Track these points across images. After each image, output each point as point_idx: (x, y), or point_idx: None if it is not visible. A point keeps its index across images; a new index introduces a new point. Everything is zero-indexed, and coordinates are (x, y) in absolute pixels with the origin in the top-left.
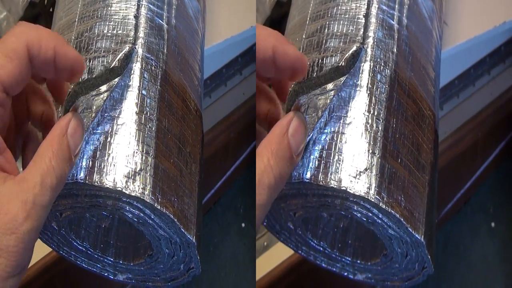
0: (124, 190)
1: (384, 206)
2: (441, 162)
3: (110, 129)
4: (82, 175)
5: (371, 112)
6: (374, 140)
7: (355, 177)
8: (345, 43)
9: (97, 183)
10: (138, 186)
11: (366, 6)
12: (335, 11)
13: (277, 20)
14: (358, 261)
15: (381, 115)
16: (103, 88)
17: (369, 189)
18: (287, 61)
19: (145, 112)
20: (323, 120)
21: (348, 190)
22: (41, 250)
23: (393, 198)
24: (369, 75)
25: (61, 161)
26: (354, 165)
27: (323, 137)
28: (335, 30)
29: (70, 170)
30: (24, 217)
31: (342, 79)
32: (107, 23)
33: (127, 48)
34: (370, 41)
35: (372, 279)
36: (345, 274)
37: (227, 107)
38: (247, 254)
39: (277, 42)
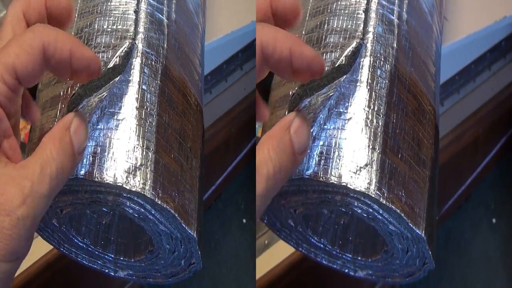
0: (124, 186)
1: (384, 202)
2: (442, 158)
3: (110, 125)
4: (82, 171)
5: (371, 108)
6: (374, 135)
7: (355, 173)
8: (345, 39)
9: (98, 179)
10: (138, 181)
11: (366, 1)
12: (334, 6)
13: None
14: (359, 258)
15: (381, 111)
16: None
17: (370, 185)
18: (304, 62)
19: (145, 107)
20: (323, 116)
21: (349, 186)
22: (42, 248)
23: (393, 193)
24: (369, 70)
25: (62, 153)
26: (354, 160)
27: (323, 133)
28: (334, 26)
29: (73, 166)
30: (20, 201)
31: (344, 77)
32: (107, 18)
33: (127, 43)
34: (370, 36)
35: (373, 275)
36: (346, 271)
37: (228, 102)
38: (248, 249)
39: (293, 44)
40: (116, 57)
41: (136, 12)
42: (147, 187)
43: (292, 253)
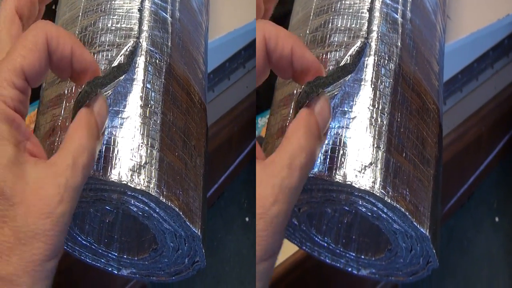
0: (129, 184)
1: (389, 200)
2: (445, 157)
3: (114, 123)
4: None
5: (376, 107)
6: (379, 134)
7: (360, 172)
8: (349, 38)
9: (102, 177)
10: (143, 179)
11: (370, 0)
12: (338, 5)
13: (279, 18)
14: (363, 257)
15: (386, 109)
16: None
17: (374, 184)
18: (304, 65)
19: (149, 106)
20: None
21: (353, 184)
22: None
23: (398, 192)
24: (373, 69)
25: (91, 140)
26: (359, 159)
27: (328, 131)
28: (339, 25)
29: (98, 149)
30: (58, 200)
31: (349, 77)
32: (111, 17)
33: (132, 42)
34: (374, 35)
35: (376, 274)
36: (349, 269)
37: (231, 101)
38: (251, 248)
39: (295, 44)
40: (121, 55)
41: (140, 10)
42: (151, 185)
43: (296, 251)
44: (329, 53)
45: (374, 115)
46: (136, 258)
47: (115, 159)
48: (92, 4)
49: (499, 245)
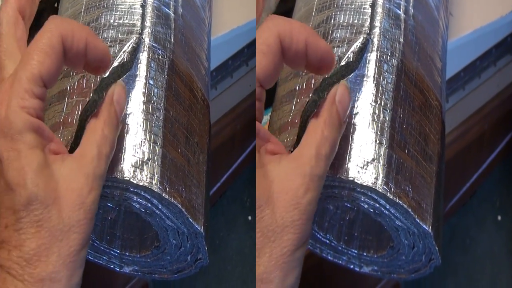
0: (131, 180)
1: (391, 197)
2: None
3: None
4: None
5: (378, 103)
6: (381, 130)
7: (362, 168)
8: (351, 34)
9: None
10: (145, 175)
11: None
12: (341, 1)
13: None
14: (365, 254)
15: (388, 105)
16: None
17: (377, 180)
18: (318, 54)
19: (152, 102)
20: None
21: (356, 180)
22: None
23: (400, 188)
24: (375, 65)
25: (112, 129)
26: (361, 155)
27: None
28: (341, 21)
29: (116, 137)
30: (88, 190)
31: (352, 74)
32: (114, 12)
33: (134, 38)
34: (376, 31)
35: (379, 271)
36: (352, 266)
37: (233, 98)
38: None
39: (309, 35)
40: (123, 52)
41: (143, 6)
42: (154, 182)
43: None
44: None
45: (377, 111)
46: (138, 256)
47: (118, 155)
48: (94, 0)
49: (502, 244)
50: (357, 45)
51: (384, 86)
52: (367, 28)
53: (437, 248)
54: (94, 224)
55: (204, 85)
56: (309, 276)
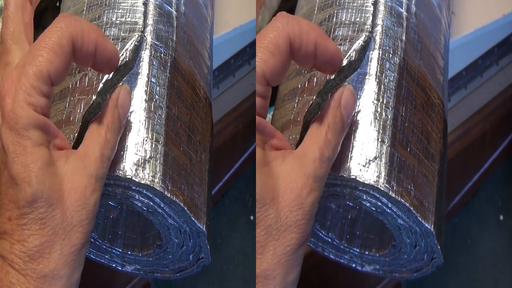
0: (134, 178)
1: (393, 195)
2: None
3: None
4: None
5: (380, 101)
6: (383, 128)
7: (364, 166)
8: (353, 32)
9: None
10: (148, 174)
11: None
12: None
13: None
14: (367, 253)
15: (390, 104)
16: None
17: (379, 178)
18: (327, 56)
19: (154, 100)
20: None
21: (358, 179)
22: None
23: (402, 187)
24: (377, 63)
25: (115, 134)
26: (363, 153)
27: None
28: (343, 19)
29: (118, 139)
30: (91, 190)
31: (355, 73)
32: (116, 10)
33: (136, 36)
34: (378, 29)
35: (380, 270)
36: (353, 265)
37: (236, 98)
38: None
39: (319, 37)
40: (125, 50)
41: (145, 4)
42: (156, 180)
43: None
44: None
45: (379, 109)
46: (140, 254)
47: (120, 153)
48: None
49: (504, 244)
50: (359, 43)
51: (386, 84)
52: (369, 26)
53: (439, 247)
54: (95, 223)
55: (207, 84)
56: (310, 276)
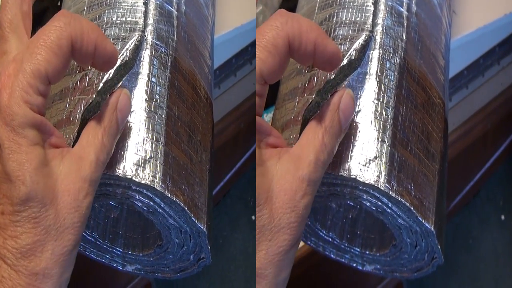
0: (134, 178)
1: (394, 195)
2: (450, 154)
3: None
4: None
5: (381, 100)
6: (383, 128)
7: (364, 166)
8: (354, 31)
9: (107, 171)
10: (148, 174)
11: None
12: None
13: None
14: (367, 252)
15: (391, 103)
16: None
17: (379, 178)
18: (326, 56)
19: (155, 100)
20: None
21: (358, 178)
22: None
23: (402, 186)
24: (378, 63)
25: (112, 137)
26: (363, 153)
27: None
28: (343, 19)
29: (115, 142)
30: (84, 194)
31: (355, 73)
32: (116, 10)
33: (137, 36)
34: (379, 28)
35: (381, 270)
36: (354, 265)
37: (237, 97)
38: None
39: (318, 37)
40: (126, 50)
41: (146, 3)
42: (156, 180)
43: (300, 247)
44: None
45: (379, 109)
46: (141, 254)
47: (120, 153)
48: None
49: (505, 243)
50: (359, 43)
51: (386, 84)
52: (369, 26)
53: (439, 247)
54: (96, 223)
55: (207, 83)
56: (310, 275)
